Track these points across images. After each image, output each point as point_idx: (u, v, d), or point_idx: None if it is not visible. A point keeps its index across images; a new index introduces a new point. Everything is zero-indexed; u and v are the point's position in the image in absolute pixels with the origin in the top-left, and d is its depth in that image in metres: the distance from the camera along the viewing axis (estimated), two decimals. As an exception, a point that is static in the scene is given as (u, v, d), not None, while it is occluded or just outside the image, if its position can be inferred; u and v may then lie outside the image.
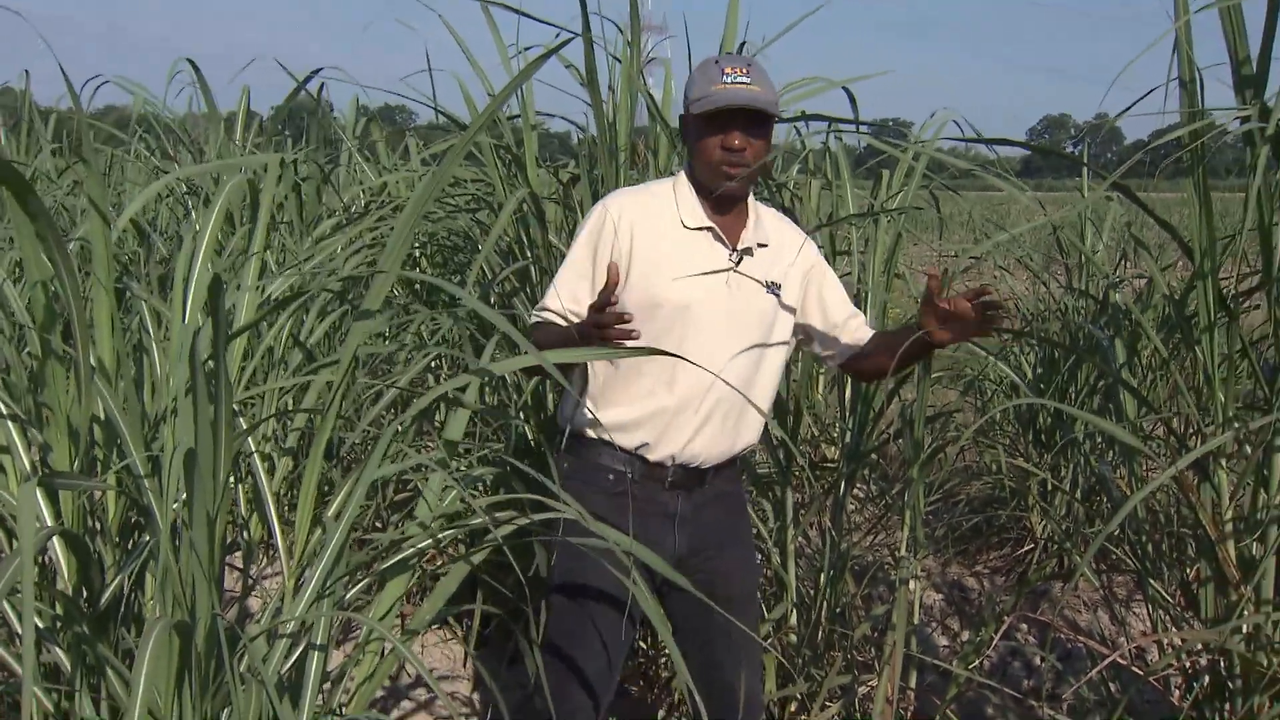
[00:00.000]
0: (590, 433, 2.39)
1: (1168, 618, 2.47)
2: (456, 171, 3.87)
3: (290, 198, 3.40)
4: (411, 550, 1.96)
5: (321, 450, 1.81)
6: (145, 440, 1.73)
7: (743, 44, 3.22)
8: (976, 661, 3.46)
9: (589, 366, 2.37)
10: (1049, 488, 4.28)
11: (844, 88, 3.57)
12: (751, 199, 2.46)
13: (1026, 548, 4.41)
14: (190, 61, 4.10)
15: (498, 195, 3.28)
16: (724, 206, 2.39)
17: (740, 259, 2.37)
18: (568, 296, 2.34)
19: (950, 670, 2.88)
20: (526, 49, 3.53)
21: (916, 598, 3.79)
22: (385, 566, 1.95)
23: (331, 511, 1.84)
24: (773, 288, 2.41)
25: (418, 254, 3.63)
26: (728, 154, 2.30)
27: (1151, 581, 2.44)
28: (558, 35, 3.30)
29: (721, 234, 2.37)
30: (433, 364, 3.44)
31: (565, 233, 3.35)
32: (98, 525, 1.80)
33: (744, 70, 2.30)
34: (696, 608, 2.18)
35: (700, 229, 2.36)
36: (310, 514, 1.85)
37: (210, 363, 1.44)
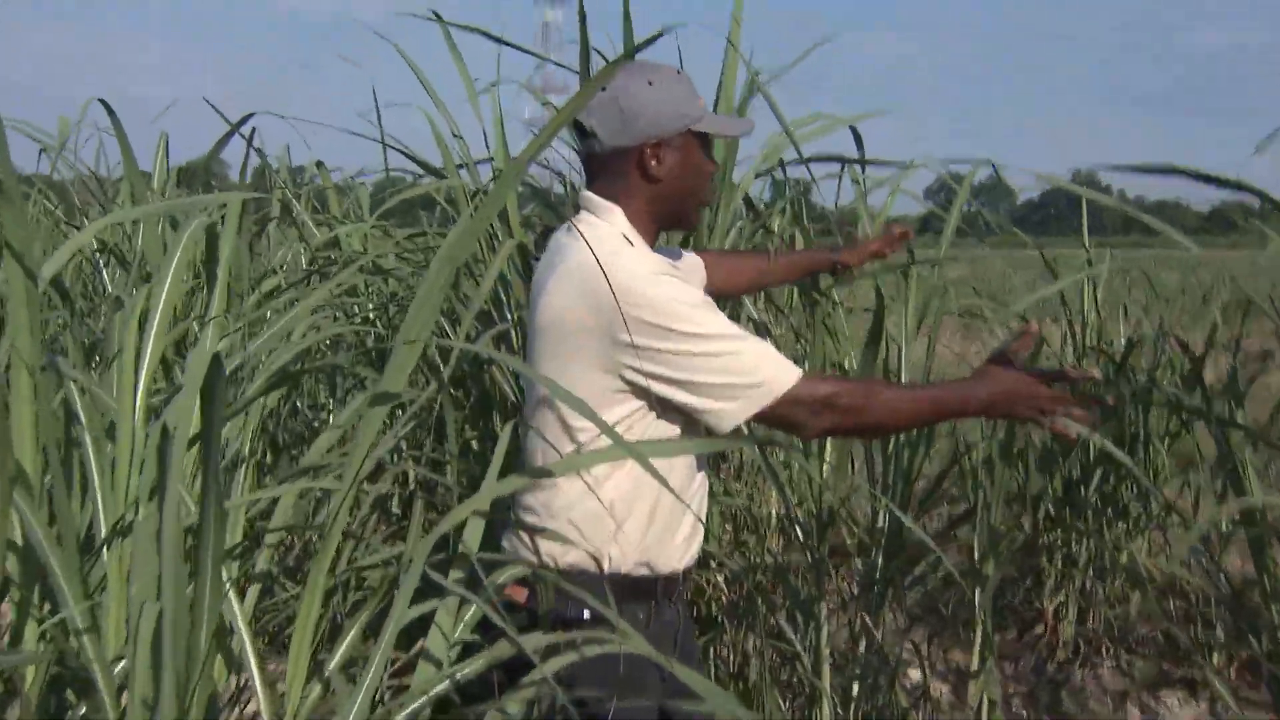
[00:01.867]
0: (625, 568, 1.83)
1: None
2: (418, 222, 3.44)
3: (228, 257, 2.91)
4: (426, 699, 1.50)
5: (322, 580, 1.35)
6: (82, 576, 1.25)
7: (754, 76, 2.85)
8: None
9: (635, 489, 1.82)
10: (1061, 565, 3.94)
11: (850, 127, 3.23)
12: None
13: (1037, 630, 4.06)
14: (104, 103, 3.58)
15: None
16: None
17: None
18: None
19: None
20: (493, 84, 3.15)
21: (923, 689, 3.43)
22: (394, 722, 1.47)
23: (335, 662, 1.37)
24: None
25: (372, 315, 3.17)
26: (712, 179, 1.98)
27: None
28: (539, 65, 2.93)
29: None
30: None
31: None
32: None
33: None
34: None
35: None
36: (306, 663, 1.38)
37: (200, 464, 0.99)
